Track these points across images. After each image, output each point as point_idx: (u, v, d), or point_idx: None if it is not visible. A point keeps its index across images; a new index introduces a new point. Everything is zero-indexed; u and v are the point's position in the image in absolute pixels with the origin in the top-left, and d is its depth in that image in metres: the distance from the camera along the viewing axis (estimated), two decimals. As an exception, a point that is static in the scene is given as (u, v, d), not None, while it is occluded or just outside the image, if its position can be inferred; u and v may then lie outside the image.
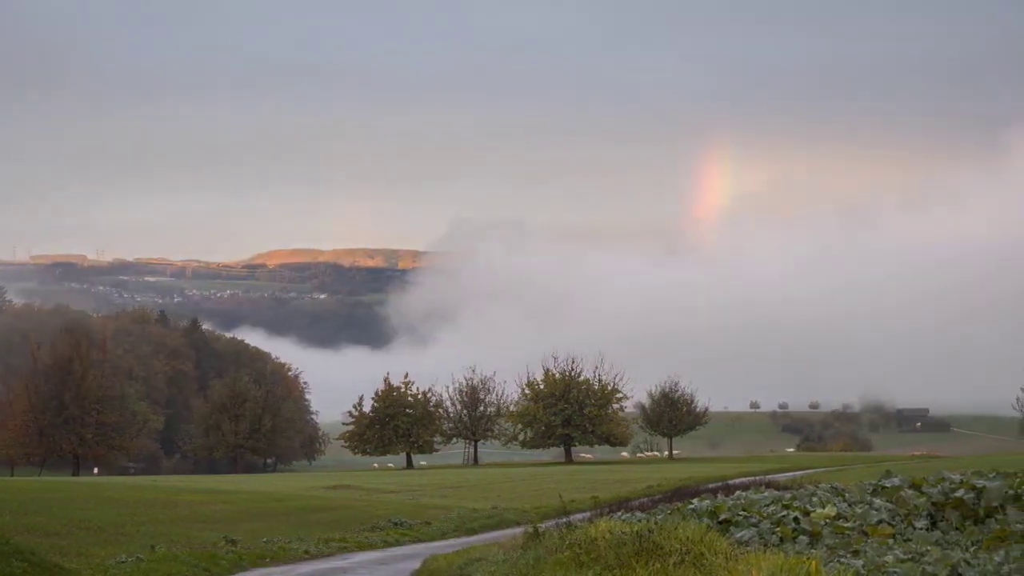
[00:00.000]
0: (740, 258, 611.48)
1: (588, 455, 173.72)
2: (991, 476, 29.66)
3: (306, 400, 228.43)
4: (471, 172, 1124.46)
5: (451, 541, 48.67)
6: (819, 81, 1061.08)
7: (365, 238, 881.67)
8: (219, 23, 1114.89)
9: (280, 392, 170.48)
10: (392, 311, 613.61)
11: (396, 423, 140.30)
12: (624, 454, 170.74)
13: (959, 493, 26.39)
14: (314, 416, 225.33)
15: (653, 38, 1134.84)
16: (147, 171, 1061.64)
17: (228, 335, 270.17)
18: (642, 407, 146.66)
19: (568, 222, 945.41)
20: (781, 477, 69.74)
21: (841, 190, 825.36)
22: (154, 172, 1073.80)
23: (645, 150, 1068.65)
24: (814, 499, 29.89)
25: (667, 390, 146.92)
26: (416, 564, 38.18)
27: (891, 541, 23.10)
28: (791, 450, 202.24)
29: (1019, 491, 25.71)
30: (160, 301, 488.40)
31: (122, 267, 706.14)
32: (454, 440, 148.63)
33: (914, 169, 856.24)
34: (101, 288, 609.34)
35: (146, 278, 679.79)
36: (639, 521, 27.98)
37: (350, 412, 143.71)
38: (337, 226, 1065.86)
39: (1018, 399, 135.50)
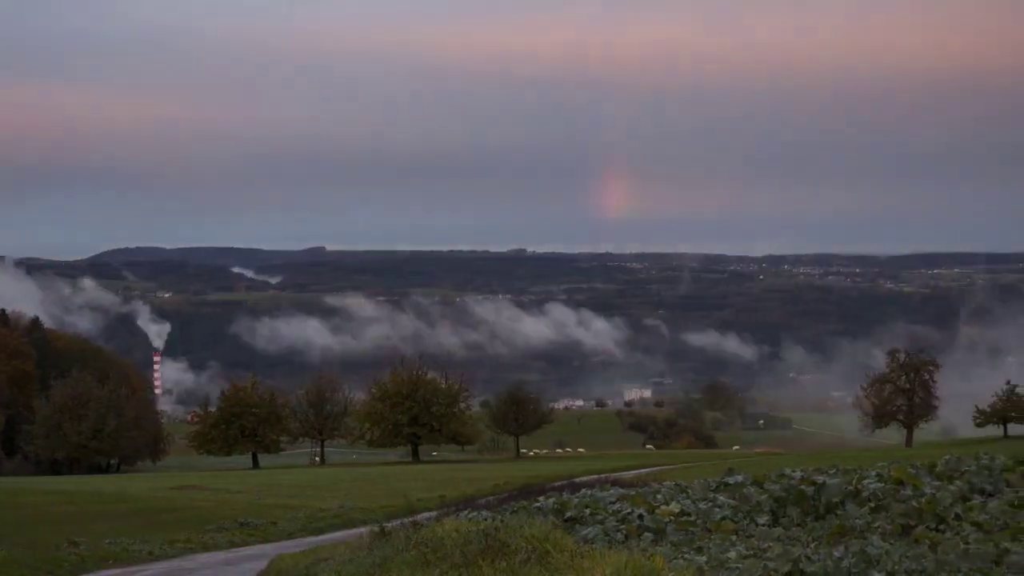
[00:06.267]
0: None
1: (448, 453, 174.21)
2: (831, 473, 30.31)
3: (151, 399, 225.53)
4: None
5: (298, 541, 48.37)
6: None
7: (210, 236, 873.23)
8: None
9: (124, 392, 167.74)
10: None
11: (242, 422, 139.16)
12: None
13: (800, 489, 26.91)
14: (160, 416, 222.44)
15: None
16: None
17: (71, 333, 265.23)
18: (488, 406, 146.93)
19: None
20: (627, 475, 70.46)
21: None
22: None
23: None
24: (659, 496, 30.25)
25: (513, 389, 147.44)
26: (262, 564, 37.86)
27: (734, 537, 23.46)
28: (649, 447, 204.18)
29: (858, 487, 26.30)
30: None
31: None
32: (300, 440, 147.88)
33: None
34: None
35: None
36: (485, 520, 28.05)
37: (195, 411, 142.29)
38: (183, 224, 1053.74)
39: (857, 397, 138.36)
